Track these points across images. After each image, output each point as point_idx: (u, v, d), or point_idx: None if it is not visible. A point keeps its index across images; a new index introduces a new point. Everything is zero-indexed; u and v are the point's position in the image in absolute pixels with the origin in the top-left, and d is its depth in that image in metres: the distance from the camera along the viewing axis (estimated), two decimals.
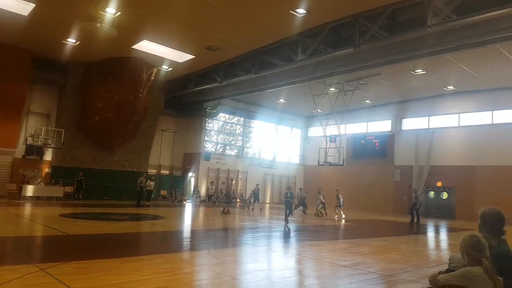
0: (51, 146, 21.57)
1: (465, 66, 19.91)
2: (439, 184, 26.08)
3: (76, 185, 22.00)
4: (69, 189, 22.22)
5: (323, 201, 21.22)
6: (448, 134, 26.10)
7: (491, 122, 24.40)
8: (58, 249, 7.66)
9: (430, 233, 16.67)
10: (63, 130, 21.71)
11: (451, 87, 24.22)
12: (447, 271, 3.18)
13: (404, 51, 15.03)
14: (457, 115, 25.95)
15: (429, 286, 3.02)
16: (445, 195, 26.14)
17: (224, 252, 8.39)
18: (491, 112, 24.41)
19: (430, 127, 27.22)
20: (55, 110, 22.93)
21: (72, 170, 22.32)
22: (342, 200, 20.43)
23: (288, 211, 16.62)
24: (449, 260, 3.38)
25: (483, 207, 3.49)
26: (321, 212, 20.86)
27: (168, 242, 9.79)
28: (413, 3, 13.87)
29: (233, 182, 21.06)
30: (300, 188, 25.91)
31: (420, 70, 20.90)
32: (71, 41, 18.75)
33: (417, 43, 14.31)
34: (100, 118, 22.47)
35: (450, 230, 17.76)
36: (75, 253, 7.21)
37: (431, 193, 26.68)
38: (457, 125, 25.92)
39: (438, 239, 14.67)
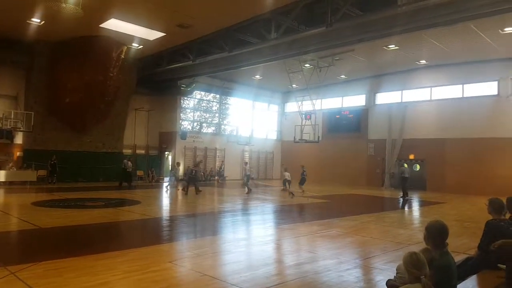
0: (21, 129, 20.99)
1: (437, 41, 20.24)
2: (411, 156, 26.79)
3: (50, 168, 21.67)
4: (42, 172, 21.90)
5: (288, 179, 20.15)
6: (420, 107, 26.63)
7: (461, 96, 24.97)
8: (29, 247, 7.57)
9: (402, 209, 17.22)
10: (32, 113, 21.15)
11: (423, 62, 24.61)
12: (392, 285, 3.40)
13: (376, 29, 15.14)
14: (429, 88, 26.44)
15: None
16: (417, 167, 26.96)
17: (200, 243, 8.54)
18: (461, 85, 24.95)
19: (403, 101, 27.68)
20: (23, 92, 22.24)
21: (45, 153, 21.92)
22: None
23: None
24: (396, 270, 3.59)
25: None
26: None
27: (143, 233, 9.83)
28: None
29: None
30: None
31: (393, 46, 21.08)
32: (36, 20, 18.02)
33: (388, 22, 14.39)
34: (70, 99, 21.99)
35: (422, 204, 18.42)
36: (47, 250, 7.13)
37: (405, 165, 27.34)
38: (429, 99, 26.44)
39: (408, 216, 15.15)
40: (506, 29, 17.58)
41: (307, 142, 25.31)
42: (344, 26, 15.26)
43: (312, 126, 24.64)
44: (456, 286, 3.46)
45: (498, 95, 23.38)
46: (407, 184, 19.99)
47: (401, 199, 19.18)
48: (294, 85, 26.44)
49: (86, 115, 22.90)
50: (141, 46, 21.88)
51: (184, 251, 7.75)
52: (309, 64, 23.99)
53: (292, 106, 32.98)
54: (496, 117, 22.90)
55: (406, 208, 17.02)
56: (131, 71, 24.36)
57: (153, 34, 19.86)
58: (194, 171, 19.13)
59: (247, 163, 23.71)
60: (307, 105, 25.95)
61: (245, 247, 8.32)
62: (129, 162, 21.80)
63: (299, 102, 26.06)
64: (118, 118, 25.08)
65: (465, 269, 4.70)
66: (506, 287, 4.05)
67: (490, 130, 22.86)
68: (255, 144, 32.72)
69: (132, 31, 19.43)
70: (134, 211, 12.69)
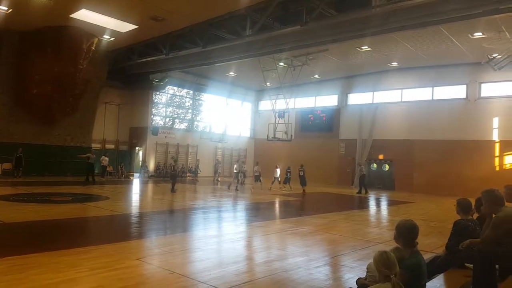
0: None
1: (409, 44, 20.70)
2: (380, 157, 27.42)
3: (15, 161, 20.89)
4: (7, 165, 21.12)
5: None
6: (391, 109, 27.22)
7: (431, 98, 25.66)
8: None
9: (371, 207, 17.58)
10: None
11: (395, 64, 25.08)
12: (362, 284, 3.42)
13: (350, 30, 15.30)
14: (399, 90, 27.03)
15: None
16: (386, 167, 27.57)
17: (170, 240, 8.40)
18: (431, 88, 25.63)
19: (374, 102, 28.22)
20: None
21: (11, 145, 21.14)
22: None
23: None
24: (367, 269, 3.61)
25: (401, 219, 3.69)
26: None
27: (110, 229, 9.58)
28: None
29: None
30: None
31: (366, 47, 21.43)
32: (3, 8, 17.27)
33: (362, 23, 14.57)
34: (38, 90, 21.31)
35: (390, 203, 18.83)
36: (10, 246, 6.85)
37: (374, 165, 27.99)
38: (400, 101, 27.03)
39: (377, 215, 15.46)
40: (475, 34, 18.10)
41: (280, 140, 25.45)
42: (319, 25, 15.36)
43: (285, 125, 24.78)
44: (426, 285, 3.51)
45: (466, 98, 24.15)
46: (364, 181, 22.37)
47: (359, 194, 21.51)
48: (268, 83, 26.51)
49: (54, 107, 22.19)
50: (112, 38, 21.38)
51: (153, 248, 7.60)
52: (283, 62, 24.10)
53: (265, 104, 33.05)
54: (464, 120, 23.64)
55: (375, 207, 17.35)
56: (101, 64, 23.78)
57: (125, 26, 19.40)
58: (173, 167, 19.22)
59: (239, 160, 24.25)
60: (281, 104, 26.08)
61: (216, 244, 8.23)
62: (89, 153, 21.54)
63: (273, 101, 26.15)
64: (88, 111, 24.44)
65: (433, 268, 4.80)
66: (472, 285, 4.14)
67: (458, 132, 23.57)
68: (228, 142, 32.59)
69: (104, 22, 18.91)
70: (102, 207, 12.37)
